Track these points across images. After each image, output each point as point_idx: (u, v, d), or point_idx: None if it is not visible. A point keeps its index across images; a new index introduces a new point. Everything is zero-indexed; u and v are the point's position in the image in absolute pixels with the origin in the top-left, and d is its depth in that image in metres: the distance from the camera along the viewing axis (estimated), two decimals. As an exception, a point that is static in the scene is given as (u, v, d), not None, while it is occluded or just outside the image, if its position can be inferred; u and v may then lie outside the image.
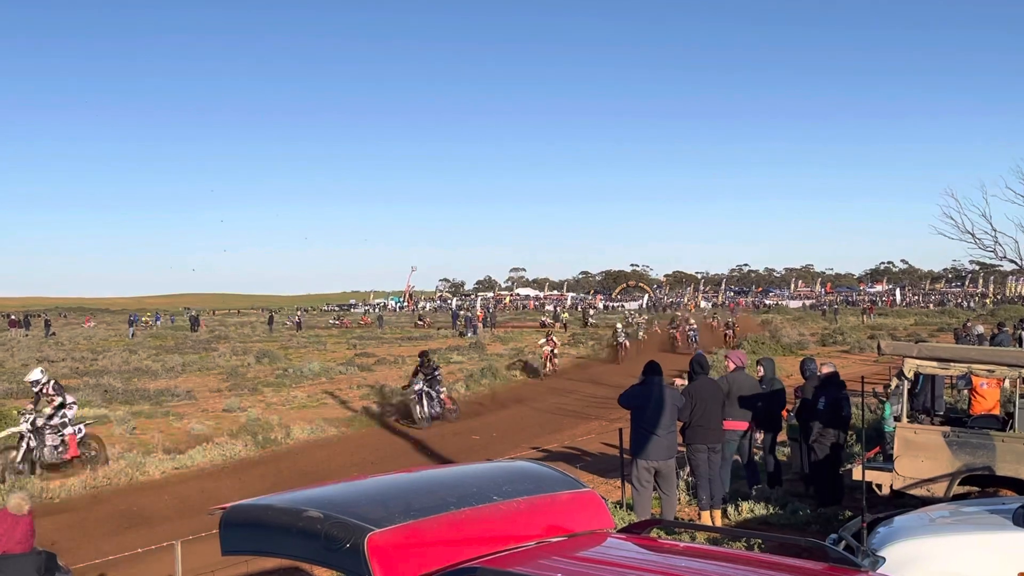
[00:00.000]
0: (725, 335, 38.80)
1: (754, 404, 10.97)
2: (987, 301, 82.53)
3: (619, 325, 36.27)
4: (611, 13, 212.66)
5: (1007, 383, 12.19)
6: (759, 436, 11.50)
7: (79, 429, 14.42)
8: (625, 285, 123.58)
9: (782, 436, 12.40)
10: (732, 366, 11.35)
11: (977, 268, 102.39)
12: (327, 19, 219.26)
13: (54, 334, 53.97)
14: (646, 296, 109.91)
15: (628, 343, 34.16)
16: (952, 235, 17.93)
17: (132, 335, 52.17)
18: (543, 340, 30.80)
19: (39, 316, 71.21)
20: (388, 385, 22.65)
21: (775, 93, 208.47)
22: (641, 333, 39.67)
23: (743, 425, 10.92)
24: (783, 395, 11.66)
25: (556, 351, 29.81)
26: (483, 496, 3.85)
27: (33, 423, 13.80)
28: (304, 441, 17.10)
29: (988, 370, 9.39)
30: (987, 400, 11.64)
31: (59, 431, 14.01)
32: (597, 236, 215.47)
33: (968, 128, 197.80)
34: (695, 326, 39.16)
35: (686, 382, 10.73)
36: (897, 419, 9.63)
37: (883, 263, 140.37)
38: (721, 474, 10.30)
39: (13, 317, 67.82)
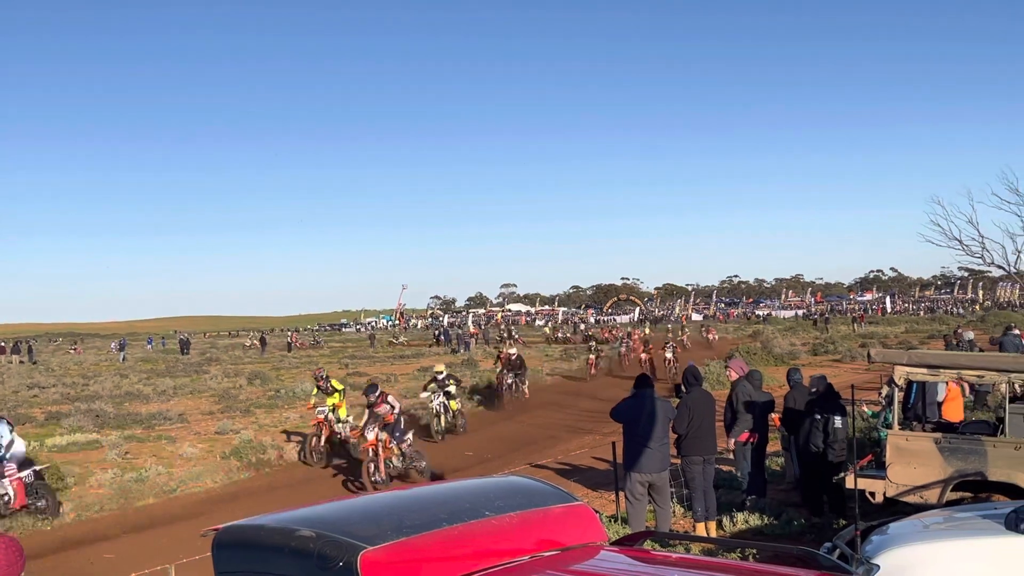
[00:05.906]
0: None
1: (756, 412, 10.93)
2: (977, 307, 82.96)
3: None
4: (596, 30, 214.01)
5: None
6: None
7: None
8: (616, 299, 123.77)
9: (772, 447, 12.39)
10: (735, 375, 11.17)
11: (966, 274, 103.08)
12: (318, 36, 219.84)
13: (36, 362, 53.77)
14: (637, 309, 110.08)
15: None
16: (940, 242, 18.10)
17: (123, 359, 52.00)
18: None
19: (26, 342, 70.91)
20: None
21: (762, 104, 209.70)
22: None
23: (747, 435, 10.88)
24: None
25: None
26: (475, 512, 3.85)
27: None
28: (297, 462, 17.05)
29: (978, 376, 9.45)
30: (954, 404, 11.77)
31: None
32: (587, 250, 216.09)
33: (954, 135, 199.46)
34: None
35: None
36: (889, 426, 9.66)
37: (872, 271, 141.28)
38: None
39: (2, 344, 67.50)
